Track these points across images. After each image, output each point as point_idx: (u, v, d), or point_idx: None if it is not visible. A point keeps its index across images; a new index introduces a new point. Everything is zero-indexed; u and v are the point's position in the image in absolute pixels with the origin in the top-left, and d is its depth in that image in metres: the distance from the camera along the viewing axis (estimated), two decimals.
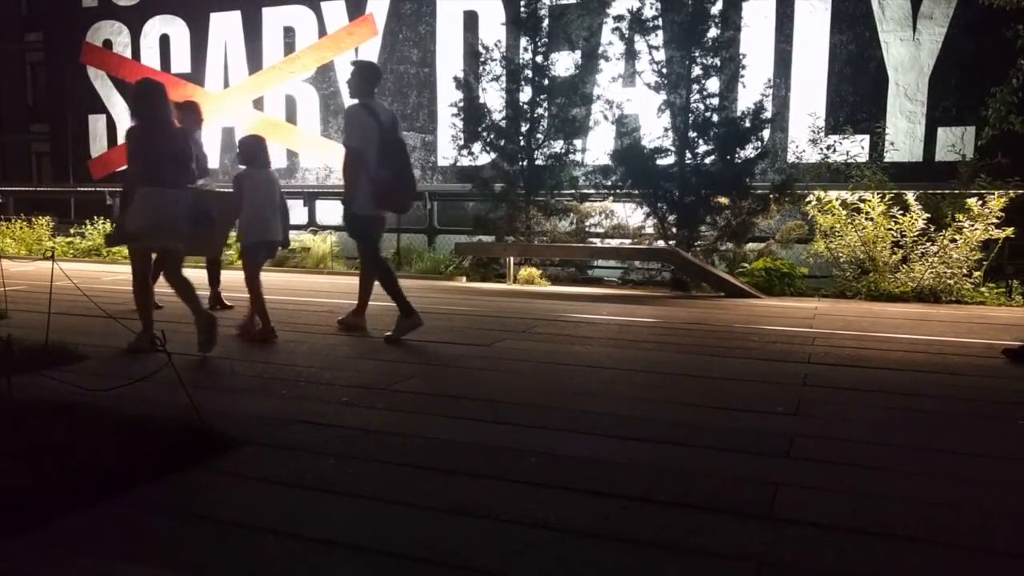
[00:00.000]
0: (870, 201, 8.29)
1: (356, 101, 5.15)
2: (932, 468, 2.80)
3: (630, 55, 9.84)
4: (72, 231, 13.20)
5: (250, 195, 5.21)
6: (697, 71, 9.10)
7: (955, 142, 9.15)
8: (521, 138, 10.18)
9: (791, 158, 9.78)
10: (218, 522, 2.27)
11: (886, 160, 9.46)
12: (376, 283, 5.46)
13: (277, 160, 13.23)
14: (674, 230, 9.42)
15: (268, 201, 5.30)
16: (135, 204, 4.49)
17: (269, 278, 9.76)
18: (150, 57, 14.21)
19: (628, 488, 2.56)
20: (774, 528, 2.26)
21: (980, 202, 7.94)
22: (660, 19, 9.31)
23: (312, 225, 12.10)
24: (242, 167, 5.40)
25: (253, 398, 3.67)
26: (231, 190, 5.38)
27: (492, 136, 10.19)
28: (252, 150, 5.35)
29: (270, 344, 5.10)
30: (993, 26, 8.16)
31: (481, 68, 10.39)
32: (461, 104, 10.43)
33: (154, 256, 4.95)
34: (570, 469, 2.74)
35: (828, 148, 9.25)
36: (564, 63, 10.24)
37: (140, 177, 4.48)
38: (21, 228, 12.99)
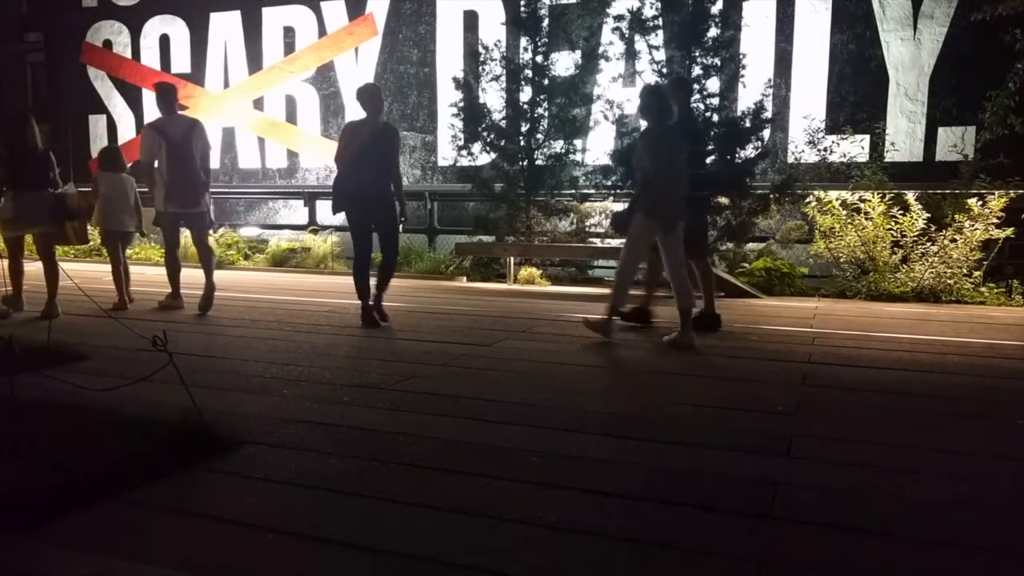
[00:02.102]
0: (870, 201, 8.29)
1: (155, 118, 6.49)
2: (932, 467, 2.81)
3: (630, 55, 9.82)
4: None
5: (107, 194, 6.69)
6: (697, 71, 9.09)
7: (956, 142, 9.13)
8: (521, 138, 10.17)
9: (791, 158, 9.78)
10: (220, 521, 2.28)
11: (886, 160, 9.44)
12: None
13: (277, 160, 13.26)
14: None
15: (122, 199, 6.76)
16: (5, 202, 6.06)
17: (270, 278, 9.78)
18: (150, 57, 14.19)
19: (628, 487, 2.56)
20: (774, 527, 2.27)
21: (980, 202, 7.94)
22: (660, 19, 9.29)
23: (312, 225, 12.09)
24: (103, 171, 6.91)
25: (254, 398, 3.67)
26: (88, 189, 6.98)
27: (492, 136, 10.18)
28: (109, 158, 6.95)
29: (122, 311, 6.39)
30: (994, 26, 8.14)
31: (481, 68, 10.38)
32: (461, 104, 10.41)
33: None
34: (571, 468, 2.74)
35: (825, 149, 9.25)
36: (564, 63, 10.23)
37: (6, 183, 6.06)
38: None
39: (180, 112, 6.62)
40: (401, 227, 6.15)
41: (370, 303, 5.87)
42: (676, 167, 5.05)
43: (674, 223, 5.07)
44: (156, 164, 6.34)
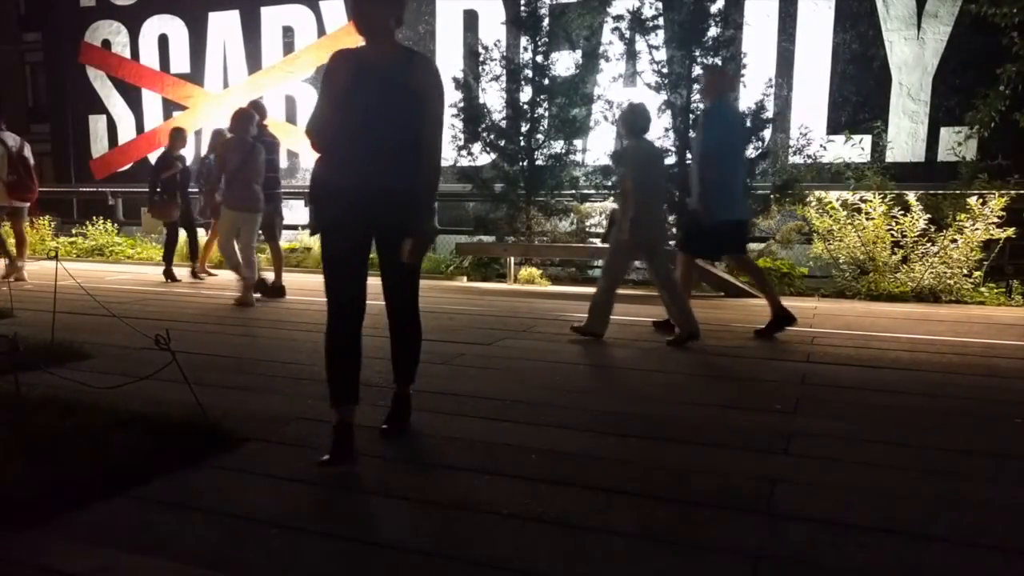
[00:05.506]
0: (871, 202, 8.31)
1: None
2: (930, 465, 2.83)
3: (630, 55, 9.85)
4: (74, 231, 13.26)
5: None
6: (698, 71, 9.11)
7: (957, 142, 9.14)
8: (521, 138, 10.19)
9: (792, 159, 9.79)
10: (224, 516, 2.30)
11: (888, 160, 9.46)
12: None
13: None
14: (674, 230, 9.43)
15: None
16: None
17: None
18: (149, 57, 14.21)
19: (628, 484, 2.58)
20: (772, 524, 2.28)
21: (981, 202, 7.95)
22: (660, 18, 9.31)
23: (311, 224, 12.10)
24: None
25: (257, 396, 3.69)
26: None
27: (492, 136, 10.20)
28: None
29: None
30: (998, 25, 8.13)
31: (481, 68, 10.39)
32: (461, 104, 10.43)
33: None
34: (570, 465, 2.76)
35: (817, 156, 9.26)
36: (564, 63, 10.24)
37: None
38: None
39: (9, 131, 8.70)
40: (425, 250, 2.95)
41: (351, 416, 2.78)
42: (249, 167, 6.69)
43: (254, 211, 6.78)
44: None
